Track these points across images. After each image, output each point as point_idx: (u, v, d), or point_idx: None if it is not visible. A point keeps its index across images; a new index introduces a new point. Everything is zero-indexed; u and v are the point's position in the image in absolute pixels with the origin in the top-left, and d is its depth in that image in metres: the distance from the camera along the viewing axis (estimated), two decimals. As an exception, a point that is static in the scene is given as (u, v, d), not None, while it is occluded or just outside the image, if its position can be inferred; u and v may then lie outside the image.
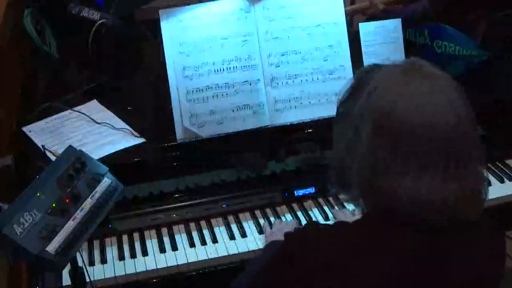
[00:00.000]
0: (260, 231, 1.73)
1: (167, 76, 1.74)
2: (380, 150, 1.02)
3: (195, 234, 1.72)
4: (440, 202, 1.01)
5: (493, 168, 1.94)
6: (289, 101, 1.81)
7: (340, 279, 1.04)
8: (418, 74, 1.04)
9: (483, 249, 1.11)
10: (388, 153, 1.02)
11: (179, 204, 1.77)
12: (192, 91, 1.75)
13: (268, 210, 1.80)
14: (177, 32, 1.75)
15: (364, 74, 1.13)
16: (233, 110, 1.77)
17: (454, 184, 1.01)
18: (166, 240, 1.70)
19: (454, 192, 1.01)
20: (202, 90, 1.75)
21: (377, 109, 1.03)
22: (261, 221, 1.76)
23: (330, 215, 1.78)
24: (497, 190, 1.86)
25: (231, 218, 1.78)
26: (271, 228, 1.71)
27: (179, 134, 1.74)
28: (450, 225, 1.03)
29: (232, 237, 1.71)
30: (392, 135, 1.01)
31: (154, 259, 1.64)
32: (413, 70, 1.05)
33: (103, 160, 1.54)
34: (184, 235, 1.72)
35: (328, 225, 1.20)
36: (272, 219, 1.77)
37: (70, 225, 1.20)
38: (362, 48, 1.88)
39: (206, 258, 1.66)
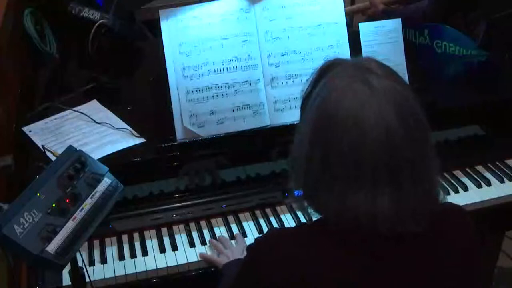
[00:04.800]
0: (260, 231, 1.73)
1: (167, 76, 1.74)
2: (313, 158, 1.00)
3: (195, 234, 1.72)
4: (365, 217, 0.97)
5: (493, 168, 1.93)
6: (289, 101, 1.81)
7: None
8: (361, 81, 1.00)
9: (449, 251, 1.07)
10: (319, 166, 1.00)
11: (179, 204, 1.76)
12: (192, 91, 1.75)
13: (268, 210, 1.80)
14: (177, 32, 1.75)
15: (321, 71, 1.10)
16: (233, 110, 1.77)
17: (384, 201, 0.97)
18: (166, 240, 1.70)
19: (385, 208, 0.97)
20: (202, 90, 1.75)
21: (319, 112, 1.01)
22: (261, 221, 1.76)
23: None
24: (497, 190, 1.86)
25: (231, 218, 1.78)
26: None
27: (179, 134, 1.74)
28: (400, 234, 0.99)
29: (232, 237, 1.71)
30: (324, 145, 0.99)
31: (154, 259, 1.64)
32: (359, 76, 1.01)
33: (103, 160, 1.53)
34: (184, 235, 1.72)
35: (290, 230, 1.20)
36: (272, 219, 1.77)
37: (70, 225, 1.20)
38: (362, 48, 1.87)
39: (206, 258, 1.65)
